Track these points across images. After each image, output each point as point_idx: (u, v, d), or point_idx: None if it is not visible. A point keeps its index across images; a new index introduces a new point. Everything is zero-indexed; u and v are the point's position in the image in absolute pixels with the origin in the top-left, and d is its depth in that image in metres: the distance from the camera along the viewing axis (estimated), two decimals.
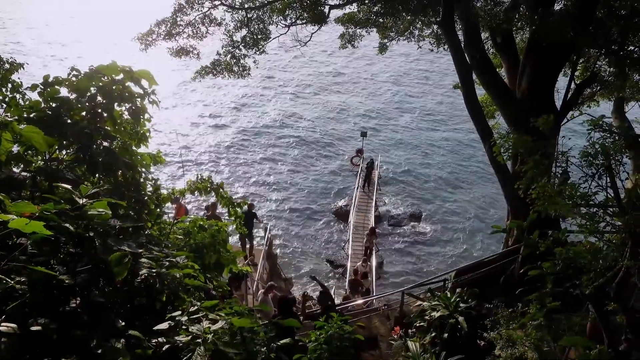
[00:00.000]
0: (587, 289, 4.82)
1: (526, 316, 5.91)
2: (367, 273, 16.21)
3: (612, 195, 5.01)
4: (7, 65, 4.80)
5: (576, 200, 4.99)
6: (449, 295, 7.85)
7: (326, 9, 14.75)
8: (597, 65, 13.23)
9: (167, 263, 3.01)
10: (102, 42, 42.96)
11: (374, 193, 23.95)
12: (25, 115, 3.58)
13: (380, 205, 24.81)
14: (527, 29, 13.23)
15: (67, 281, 2.33)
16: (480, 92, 13.88)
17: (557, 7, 12.34)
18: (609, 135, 5.06)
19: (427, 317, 7.50)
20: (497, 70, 13.95)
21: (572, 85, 12.44)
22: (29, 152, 3.65)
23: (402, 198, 26.31)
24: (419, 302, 9.29)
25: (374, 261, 18.01)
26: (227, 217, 6.46)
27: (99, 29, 46.70)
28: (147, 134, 4.63)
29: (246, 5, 14.38)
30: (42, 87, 3.79)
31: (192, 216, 5.65)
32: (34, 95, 3.86)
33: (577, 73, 13.57)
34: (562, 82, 12.63)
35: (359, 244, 19.54)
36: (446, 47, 13.71)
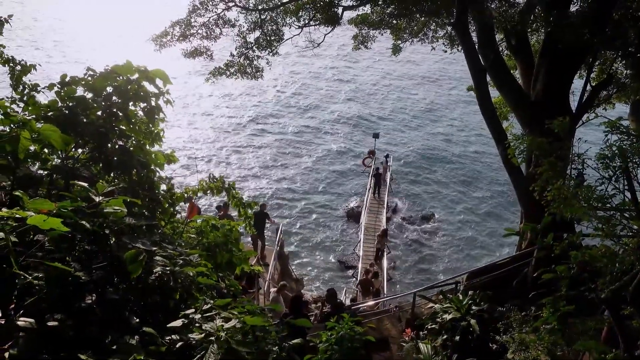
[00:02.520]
0: (602, 293, 4.75)
1: (539, 320, 5.85)
2: (378, 273, 16.18)
3: (629, 198, 4.94)
4: (19, 67, 4.85)
5: (592, 203, 4.92)
6: (461, 297, 7.79)
7: (339, 10, 14.75)
8: (613, 67, 13.05)
9: (181, 261, 3.03)
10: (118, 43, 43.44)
11: (386, 194, 23.88)
12: (42, 114, 3.63)
13: (392, 206, 24.74)
14: (542, 30, 13.09)
15: (83, 278, 2.36)
16: (494, 93, 13.77)
17: (572, 8, 12.20)
18: (626, 137, 4.99)
19: (438, 320, 7.45)
20: (512, 72, 13.83)
21: (588, 87, 12.29)
22: (46, 150, 3.69)
23: (414, 199, 26.21)
24: (430, 304, 9.25)
25: (385, 263, 17.96)
26: (237, 218, 6.49)
27: (116, 31, 47.19)
28: (161, 133, 4.67)
29: (260, 7, 14.43)
30: (60, 86, 3.84)
31: (205, 215, 5.68)
32: (51, 95, 3.91)
33: (593, 75, 13.39)
34: (577, 84, 12.49)
35: (370, 245, 19.50)
36: (460, 48, 13.63)
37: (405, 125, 34.51)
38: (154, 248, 2.88)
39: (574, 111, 12.02)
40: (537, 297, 5.84)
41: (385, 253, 18.70)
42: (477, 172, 29.05)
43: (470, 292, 8.07)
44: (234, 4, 14.02)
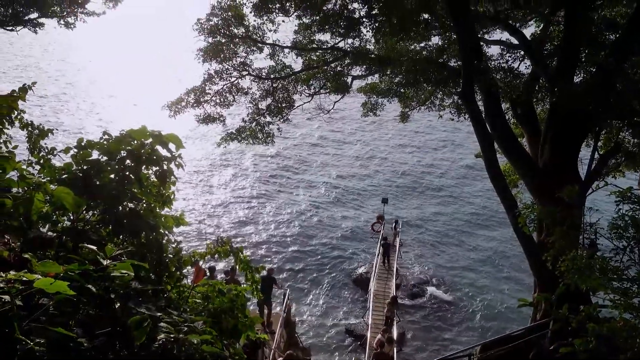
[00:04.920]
0: None
1: None
2: (392, 338, 15.59)
3: None
4: (36, 131, 5.01)
5: (608, 274, 4.81)
6: None
7: (349, 79, 15.28)
8: (620, 136, 13.20)
9: (186, 328, 2.95)
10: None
11: (395, 261, 23.52)
12: (57, 176, 3.69)
13: (402, 272, 24.29)
14: (548, 100, 13.40)
15: (85, 344, 2.30)
16: (503, 160, 13.87)
17: (576, 78, 12.54)
18: (638, 207, 4.95)
19: None
20: (519, 139, 14.01)
21: (596, 156, 12.37)
22: (57, 212, 3.72)
23: (425, 266, 25.77)
24: None
25: (395, 332, 17.38)
26: (244, 282, 6.40)
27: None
28: (172, 197, 4.70)
29: (272, 76, 15.00)
30: (76, 149, 3.94)
31: (213, 281, 5.60)
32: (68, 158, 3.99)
33: (600, 143, 13.52)
34: (586, 152, 12.59)
35: (379, 313, 18.97)
36: (467, 116, 13.92)
37: (414, 191, 34.60)
38: (159, 314, 2.82)
39: (583, 179, 12.04)
40: None
41: (395, 321, 18.14)
42: (489, 238, 28.72)
43: None
44: (247, 73, 14.61)
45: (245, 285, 5.88)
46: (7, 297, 2.00)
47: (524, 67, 14.79)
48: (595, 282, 4.74)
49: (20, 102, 4.06)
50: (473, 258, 26.75)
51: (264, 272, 14.23)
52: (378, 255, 23.56)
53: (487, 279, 24.83)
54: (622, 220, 4.84)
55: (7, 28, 16.84)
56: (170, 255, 4.58)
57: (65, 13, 17.14)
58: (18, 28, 17.10)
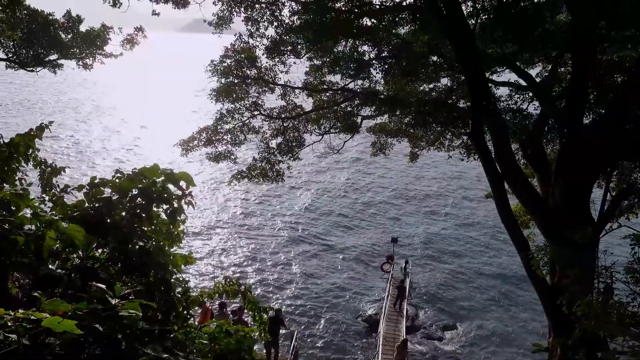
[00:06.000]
0: None
1: None
2: None
3: None
4: (49, 169, 5.08)
5: (625, 320, 4.67)
6: None
7: (359, 119, 15.44)
8: (632, 177, 13.07)
9: None
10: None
11: (405, 302, 23.07)
12: (69, 213, 3.72)
13: (412, 314, 23.78)
14: (557, 140, 13.38)
15: None
16: (514, 200, 13.74)
17: (585, 120, 12.54)
18: None
19: None
20: (530, 180, 13.91)
21: (608, 197, 12.22)
22: (67, 249, 3.73)
23: (435, 307, 25.24)
24: None
25: None
26: (251, 323, 6.29)
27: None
28: (181, 235, 4.70)
29: (283, 115, 15.21)
30: (88, 187, 3.98)
31: (221, 321, 5.52)
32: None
33: (612, 184, 13.40)
34: (598, 192, 12.45)
35: (389, 357, 18.47)
36: (476, 156, 13.90)
37: (425, 230, 34.29)
38: (165, 355, 2.77)
39: (595, 220, 11.84)
40: None
41: None
42: (502, 280, 28.18)
43: None
44: (258, 112, 14.83)
45: (252, 326, 5.78)
46: (14, 336, 1.98)
47: (533, 108, 14.87)
48: (615, 329, 4.59)
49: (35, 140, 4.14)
50: (486, 301, 26.18)
51: (272, 313, 14.00)
52: (388, 296, 23.15)
53: (500, 323, 24.21)
54: (638, 264, 4.74)
55: (28, 69, 17.40)
56: (178, 295, 4.54)
57: (83, 55, 17.70)
58: (38, 69, 17.67)
